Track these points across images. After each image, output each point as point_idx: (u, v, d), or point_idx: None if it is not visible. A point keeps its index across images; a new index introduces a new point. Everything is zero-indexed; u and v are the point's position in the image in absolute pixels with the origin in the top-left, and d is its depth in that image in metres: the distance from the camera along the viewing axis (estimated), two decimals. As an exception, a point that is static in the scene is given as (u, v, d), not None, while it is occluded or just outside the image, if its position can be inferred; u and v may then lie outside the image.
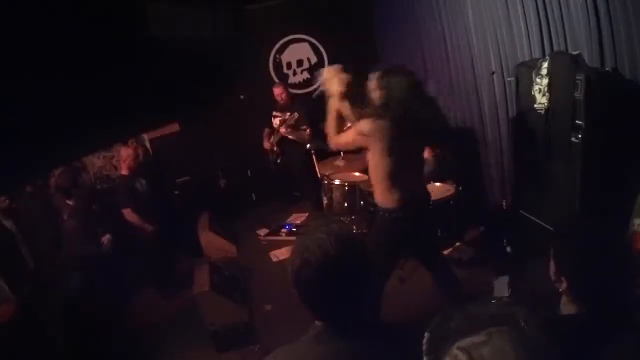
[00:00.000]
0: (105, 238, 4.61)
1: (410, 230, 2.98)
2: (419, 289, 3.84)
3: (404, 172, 2.87)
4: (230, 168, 6.24)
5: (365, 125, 2.79)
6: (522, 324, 0.85)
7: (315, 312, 1.32)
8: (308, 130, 5.54)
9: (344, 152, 5.18)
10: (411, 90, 2.76)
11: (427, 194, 3.15)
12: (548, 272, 1.55)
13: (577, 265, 1.47)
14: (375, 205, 3.16)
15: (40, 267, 3.95)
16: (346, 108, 2.98)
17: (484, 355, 0.83)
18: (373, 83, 2.81)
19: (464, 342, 0.86)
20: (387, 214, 2.94)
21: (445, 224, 4.16)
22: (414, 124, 2.80)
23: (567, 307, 1.51)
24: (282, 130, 5.62)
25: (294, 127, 5.61)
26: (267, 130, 5.88)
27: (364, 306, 1.35)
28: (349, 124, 3.11)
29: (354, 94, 2.99)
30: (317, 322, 1.32)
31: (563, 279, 1.48)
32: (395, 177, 2.85)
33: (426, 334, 0.90)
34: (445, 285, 3.29)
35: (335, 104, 2.94)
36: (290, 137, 5.56)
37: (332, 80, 2.92)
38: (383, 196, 2.93)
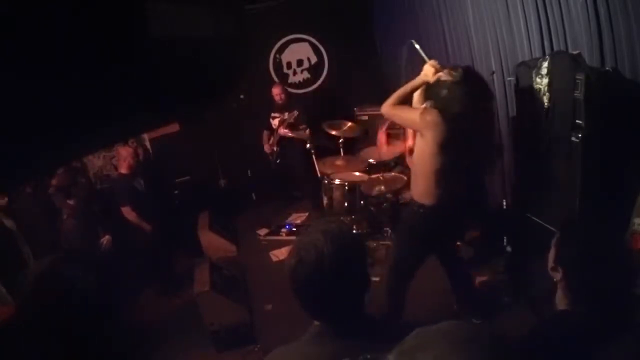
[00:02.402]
0: (105, 239, 4.62)
1: (441, 228, 2.95)
2: (421, 288, 3.84)
3: (452, 172, 2.83)
4: (230, 168, 6.25)
5: (434, 114, 2.74)
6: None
7: (312, 312, 1.31)
8: (307, 130, 5.54)
9: (343, 148, 5.18)
10: (480, 93, 2.77)
11: (465, 194, 3.10)
12: (546, 263, 1.57)
13: (576, 261, 1.48)
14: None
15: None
16: (419, 95, 3.01)
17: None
18: (453, 83, 2.75)
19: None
20: (421, 210, 2.90)
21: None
22: (475, 124, 2.78)
23: (562, 301, 1.52)
24: (282, 130, 5.62)
25: (293, 125, 5.61)
26: (266, 132, 5.88)
27: (364, 306, 1.35)
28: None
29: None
30: (316, 323, 1.32)
31: (560, 270, 1.50)
32: (441, 175, 2.82)
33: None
34: (458, 282, 3.31)
35: (417, 84, 2.92)
36: (290, 135, 5.56)
37: (430, 71, 2.87)
38: (423, 191, 2.89)
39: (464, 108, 2.68)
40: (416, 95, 3.03)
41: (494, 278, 3.75)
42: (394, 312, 3.04)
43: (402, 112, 2.94)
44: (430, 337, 0.76)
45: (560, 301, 1.52)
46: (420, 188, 2.91)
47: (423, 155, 2.84)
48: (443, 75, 2.77)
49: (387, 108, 2.98)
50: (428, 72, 2.83)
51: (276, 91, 5.72)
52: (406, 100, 2.99)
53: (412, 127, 3.04)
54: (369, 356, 1.01)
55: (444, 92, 2.74)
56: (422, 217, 2.91)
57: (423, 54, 3.02)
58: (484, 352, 0.73)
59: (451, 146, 2.74)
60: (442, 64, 2.85)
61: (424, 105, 2.91)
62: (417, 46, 3.10)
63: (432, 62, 2.85)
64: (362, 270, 1.33)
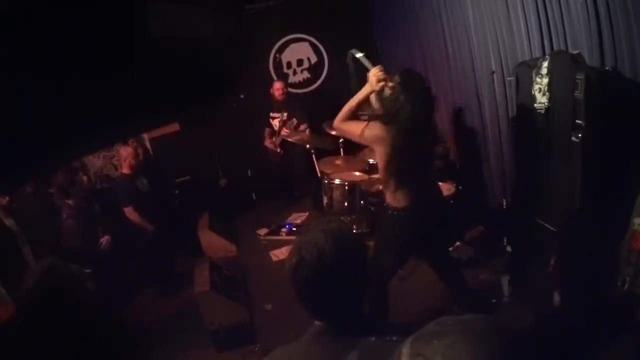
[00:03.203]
0: (104, 239, 4.62)
1: (419, 230, 2.94)
2: (419, 288, 3.84)
3: (413, 171, 2.83)
4: (230, 168, 6.25)
5: (375, 129, 2.76)
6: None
7: (312, 311, 1.31)
8: (307, 131, 5.55)
9: (343, 148, 5.19)
10: (423, 97, 2.75)
11: (438, 193, 3.12)
12: (546, 263, 1.57)
13: (575, 260, 1.48)
14: (379, 204, 3.15)
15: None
16: (371, 103, 2.96)
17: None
18: (388, 87, 2.75)
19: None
20: (395, 213, 2.90)
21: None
22: (423, 126, 2.78)
23: (561, 300, 1.52)
24: (283, 132, 5.64)
25: (294, 129, 5.63)
26: (268, 130, 5.90)
27: (364, 306, 1.35)
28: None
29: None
30: (317, 322, 1.32)
31: (560, 271, 1.50)
32: (404, 177, 2.82)
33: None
34: (452, 285, 3.30)
35: (363, 96, 2.89)
36: (290, 140, 5.56)
37: (373, 79, 2.84)
38: (392, 195, 2.90)
39: (407, 114, 2.66)
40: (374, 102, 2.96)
41: (493, 278, 3.75)
42: (378, 317, 3.00)
43: (349, 128, 2.93)
44: (448, 326, 0.79)
45: (559, 299, 1.52)
46: (389, 192, 2.92)
47: (382, 163, 2.85)
48: (388, 82, 2.75)
49: (337, 124, 2.99)
50: (372, 80, 2.81)
51: (277, 85, 5.72)
52: (356, 114, 2.98)
53: (360, 143, 3.04)
54: (394, 337, 1.02)
55: (388, 99, 2.73)
56: (397, 220, 2.91)
57: (366, 63, 2.94)
58: (496, 344, 0.75)
59: (405, 148, 2.72)
60: (388, 71, 2.81)
61: (365, 121, 2.90)
62: (358, 55, 3.02)
63: (374, 70, 2.81)
64: (363, 269, 1.33)
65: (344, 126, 2.96)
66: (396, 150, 2.73)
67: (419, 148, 2.82)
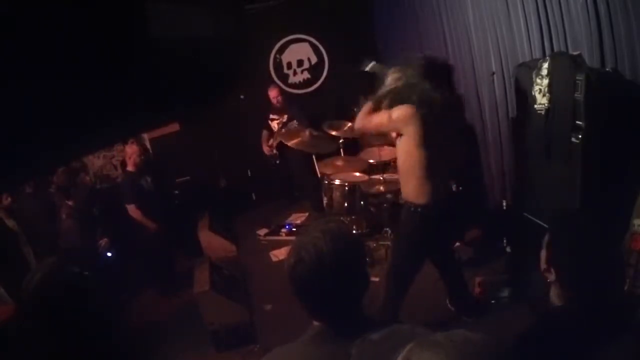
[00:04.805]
0: (103, 241, 4.62)
1: (441, 228, 2.89)
2: (420, 288, 3.83)
3: (438, 164, 2.76)
4: (230, 168, 6.25)
5: (402, 111, 2.71)
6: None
7: (311, 312, 1.31)
8: (307, 131, 5.54)
9: (344, 149, 5.18)
10: (442, 79, 2.74)
11: (453, 191, 3.08)
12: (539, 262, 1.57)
13: (570, 260, 1.48)
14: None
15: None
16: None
17: None
18: (407, 72, 2.76)
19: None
20: (418, 210, 2.82)
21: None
22: (447, 113, 2.75)
23: (556, 299, 1.52)
24: (281, 134, 5.63)
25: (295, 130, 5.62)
26: (265, 133, 5.87)
27: (363, 307, 1.34)
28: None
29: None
30: (316, 323, 1.31)
31: (553, 271, 1.50)
32: (429, 169, 2.75)
33: None
34: (451, 284, 3.30)
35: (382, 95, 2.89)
36: (288, 144, 5.54)
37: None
38: (415, 190, 2.82)
39: (422, 92, 2.67)
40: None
41: (493, 278, 3.75)
42: (390, 317, 2.97)
43: (374, 119, 2.89)
44: (451, 341, 0.80)
45: (555, 298, 1.53)
46: (410, 187, 2.85)
47: (406, 154, 2.80)
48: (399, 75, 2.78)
49: (359, 123, 2.98)
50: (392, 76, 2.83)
51: (273, 94, 5.71)
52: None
53: (388, 130, 2.98)
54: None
55: (397, 89, 2.75)
56: (419, 217, 2.84)
57: (378, 69, 3.06)
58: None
59: (429, 137, 2.70)
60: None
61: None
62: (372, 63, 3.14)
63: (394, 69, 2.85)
64: (362, 270, 1.33)
65: (368, 122, 2.93)
66: (424, 133, 2.67)
67: (445, 136, 2.77)
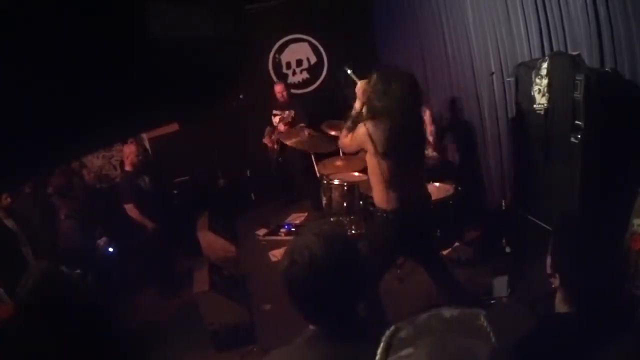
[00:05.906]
0: (102, 241, 4.61)
1: (407, 232, 2.97)
2: (418, 289, 3.84)
3: (403, 173, 2.87)
4: (230, 168, 6.25)
5: (359, 131, 2.83)
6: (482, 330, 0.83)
7: (305, 315, 1.30)
8: (307, 131, 5.53)
9: (344, 153, 5.18)
10: (410, 92, 2.79)
11: (427, 195, 3.14)
12: (545, 268, 1.56)
13: (573, 263, 1.47)
14: (374, 205, 3.17)
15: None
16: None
17: None
18: (371, 85, 2.83)
19: (392, 357, 0.82)
20: (385, 215, 2.94)
21: (444, 224, 4.16)
22: (412, 125, 2.82)
23: (561, 305, 1.52)
24: (281, 127, 5.64)
25: (291, 125, 5.62)
26: (269, 128, 5.91)
27: (358, 310, 1.34)
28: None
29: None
30: (311, 326, 1.30)
31: (557, 275, 1.49)
32: (393, 179, 2.85)
33: (381, 344, 0.87)
34: (444, 287, 3.29)
35: (356, 111, 2.98)
36: (288, 143, 5.55)
37: (360, 90, 2.98)
38: (381, 197, 2.94)
39: (391, 106, 2.73)
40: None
41: (493, 278, 3.75)
42: (376, 317, 3.01)
43: (344, 141, 3.05)
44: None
45: (561, 306, 1.51)
46: (378, 194, 2.96)
47: (371, 164, 2.91)
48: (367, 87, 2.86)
49: (341, 142, 3.14)
50: (359, 94, 2.93)
51: (278, 89, 5.75)
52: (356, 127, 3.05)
53: (357, 148, 3.11)
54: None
55: (372, 99, 2.82)
56: (386, 222, 2.94)
57: (354, 78, 3.10)
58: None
59: (394, 146, 2.78)
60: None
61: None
62: (349, 72, 3.22)
63: (360, 83, 2.94)
64: (356, 272, 1.32)
65: (343, 143, 3.11)
66: (386, 146, 2.77)
67: (409, 145, 2.86)
